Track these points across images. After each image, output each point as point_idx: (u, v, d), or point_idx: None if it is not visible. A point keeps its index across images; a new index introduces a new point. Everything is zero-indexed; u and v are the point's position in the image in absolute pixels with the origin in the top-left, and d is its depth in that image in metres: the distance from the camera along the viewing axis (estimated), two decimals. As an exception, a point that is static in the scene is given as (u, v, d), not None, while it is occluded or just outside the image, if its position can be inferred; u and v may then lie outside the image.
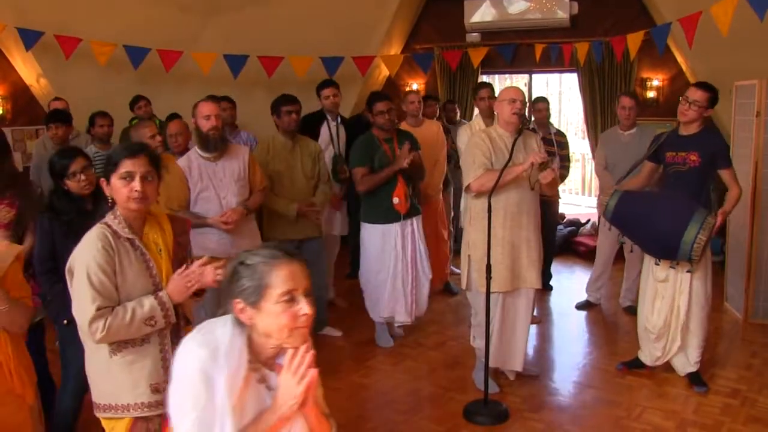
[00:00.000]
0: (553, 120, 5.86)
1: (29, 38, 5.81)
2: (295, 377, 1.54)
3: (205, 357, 1.54)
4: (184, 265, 2.20)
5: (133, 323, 2.10)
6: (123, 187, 2.12)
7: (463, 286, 3.82)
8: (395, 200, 4.31)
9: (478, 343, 3.82)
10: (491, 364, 3.81)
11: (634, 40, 5.84)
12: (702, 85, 3.74)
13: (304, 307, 1.57)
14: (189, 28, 6.72)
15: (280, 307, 1.55)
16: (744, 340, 4.65)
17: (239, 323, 1.61)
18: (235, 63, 6.59)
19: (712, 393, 3.78)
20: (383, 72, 7.74)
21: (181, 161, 3.77)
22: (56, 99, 5.80)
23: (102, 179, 2.20)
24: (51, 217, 2.86)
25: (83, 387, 2.67)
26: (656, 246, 3.69)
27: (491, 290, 3.55)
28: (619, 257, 5.29)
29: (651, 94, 6.82)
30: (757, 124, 4.82)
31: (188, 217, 3.67)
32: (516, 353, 3.81)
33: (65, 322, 2.82)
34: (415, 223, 4.46)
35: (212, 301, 3.57)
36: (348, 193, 5.17)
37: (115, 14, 6.29)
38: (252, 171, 3.91)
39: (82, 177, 2.89)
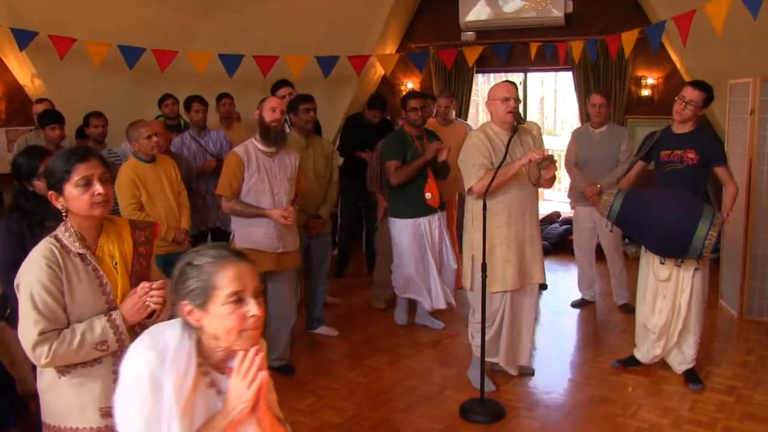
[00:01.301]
0: (548, 118, 5.87)
1: (23, 38, 5.78)
2: (245, 380, 1.50)
3: (153, 360, 1.50)
4: (142, 284, 2.00)
5: (82, 348, 1.91)
6: (82, 195, 1.92)
7: (467, 287, 3.82)
8: (428, 195, 4.60)
9: (477, 341, 3.82)
10: (500, 363, 3.84)
11: (629, 39, 5.85)
12: (697, 85, 3.76)
13: (252, 308, 1.52)
14: (184, 27, 6.70)
15: (227, 308, 1.51)
16: (739, 338, 4.67)
17: (188, 326, 1.56)
18: (231, 62, 6.58)
19: (708, 390, 3.80)
20: (378, 71, 7.74)
21: (239, 149, 3.87)
22: (40, 101, 5.63)
23: (51, 192, 1.96)
24: (20, 218, 2.67)
25: None
26: (664, 245, 3.66)
27: (501, 290, 3.66)
28: (600, 256, 5.29)
29: (646, 92, 6.84)
30: (751, 122, 4.83)
31: (241, 206, 3.82)
32: (523, 348, 3.86)
33: None
34: (441, 218, 4.74)
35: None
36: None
37: (110, 14, 6.26)
38: (300, 173, 4.05)
39: None
